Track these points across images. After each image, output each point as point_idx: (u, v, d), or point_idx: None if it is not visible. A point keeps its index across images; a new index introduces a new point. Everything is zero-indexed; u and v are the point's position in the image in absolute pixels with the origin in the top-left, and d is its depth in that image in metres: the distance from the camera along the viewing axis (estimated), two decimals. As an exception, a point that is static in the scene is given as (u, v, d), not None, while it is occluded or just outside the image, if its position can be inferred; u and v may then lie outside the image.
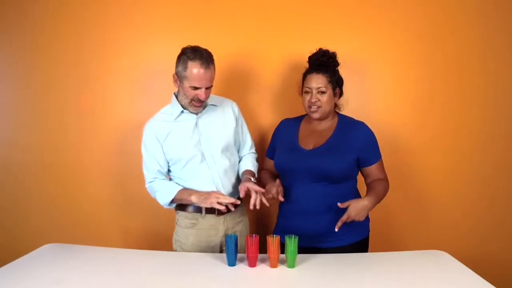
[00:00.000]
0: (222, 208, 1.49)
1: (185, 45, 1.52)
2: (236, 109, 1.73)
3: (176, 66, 1.54)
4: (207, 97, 1.55)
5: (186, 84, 1.51)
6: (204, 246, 1.61)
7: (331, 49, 1.60)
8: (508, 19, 1.98)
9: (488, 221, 2.07)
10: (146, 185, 1.67)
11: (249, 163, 1.74)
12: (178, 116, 1.61)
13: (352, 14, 1.99)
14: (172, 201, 1.61)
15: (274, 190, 1.52)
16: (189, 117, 1.63)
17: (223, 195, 1.52)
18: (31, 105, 2.12)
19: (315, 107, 1.56)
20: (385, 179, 1.60)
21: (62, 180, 2.13)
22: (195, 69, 1.48)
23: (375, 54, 2.01)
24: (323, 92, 1.55)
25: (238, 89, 2.02)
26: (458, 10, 1.98)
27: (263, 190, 1.51)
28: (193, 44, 1.55)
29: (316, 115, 1.57)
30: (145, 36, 2.04)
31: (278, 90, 2.05)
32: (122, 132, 2.08)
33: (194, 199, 1.55)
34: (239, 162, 1.76)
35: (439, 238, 2.06)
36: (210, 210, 1.60)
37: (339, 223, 1.41)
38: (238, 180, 1.71)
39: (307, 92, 1.58)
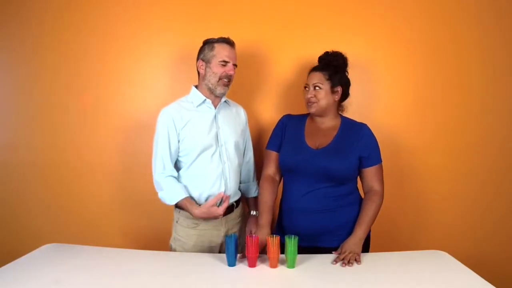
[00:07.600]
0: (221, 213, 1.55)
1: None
2: (245, 115, 1.81)
3: (200, 55, 1.64)
4: (234, 75, 1.64)
5: (214, 62, 1.60)
6: (206, 246, 1.62)
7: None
8: (507, 20, 1.98)
9: (488, 221, 2.06)
10: (154, 177, 1.61)
11: (254, 188, 1.84)
12: (199, 105, 1.64)
13: (353, 16, 1.99)
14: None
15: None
16: (208, 109, 1.66)
17: (219, 207, 1.55)
18: (34, 105, 2.12)
19: (310, 102, 1.61)
20: (379, 194, 1.57)
21: (63, 180, 2.13)
22: (222, 46, 1.60)
23: (375, 56, 2.01)
24: (319, 88, 1.59)
25: (242, 88, 2.01)
26: (457, 13, 1.98)
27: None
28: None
29: (312, 109, 1.62)
30: (146, 37, 2.04)
31: (281, 89, 2.04)
32: (123, 132, 2.08)
33: (196, 211, 1.55)
34: (246, 181, 1.83)
35: (439, 238, 2.06)
36: None
37: (337, 260, 1.41)
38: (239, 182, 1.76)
39: (306, 89, 1.64)
